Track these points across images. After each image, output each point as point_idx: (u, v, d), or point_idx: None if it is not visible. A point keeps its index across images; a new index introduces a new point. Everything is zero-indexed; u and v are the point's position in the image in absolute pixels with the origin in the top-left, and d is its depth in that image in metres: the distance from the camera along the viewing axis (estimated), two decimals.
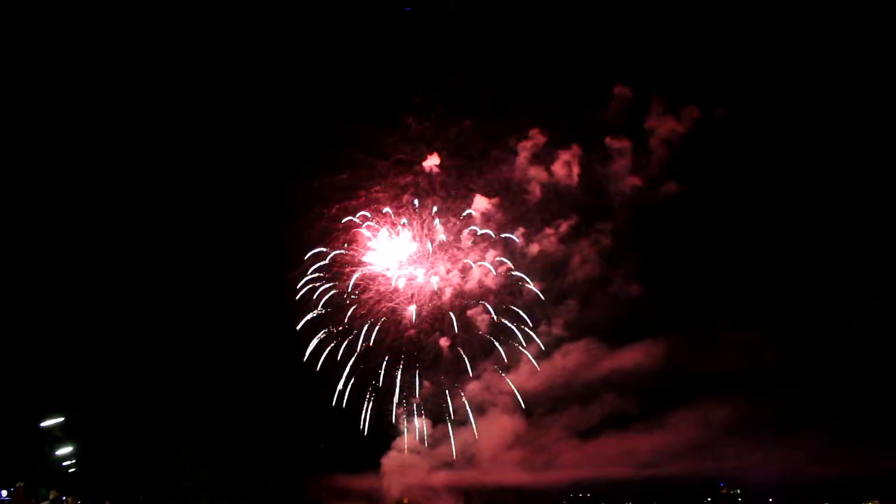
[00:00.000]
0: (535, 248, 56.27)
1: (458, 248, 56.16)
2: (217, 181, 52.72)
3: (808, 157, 50.93)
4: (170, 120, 50.98)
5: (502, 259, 55.72)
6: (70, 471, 44.95)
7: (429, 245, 55.85)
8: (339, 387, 54.72)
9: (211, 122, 51.54)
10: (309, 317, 55.08)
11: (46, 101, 46.05)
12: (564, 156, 55.59)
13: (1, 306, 42.47)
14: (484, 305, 55.98)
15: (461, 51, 51.62)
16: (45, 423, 38.15)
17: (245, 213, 53.87)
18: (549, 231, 56.31)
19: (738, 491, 58.63)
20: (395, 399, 55.90)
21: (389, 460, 55.78)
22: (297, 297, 54.93)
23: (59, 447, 40.91)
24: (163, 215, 52.57)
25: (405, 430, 56.13)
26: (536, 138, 55.46)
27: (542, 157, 55.81)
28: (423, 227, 55.75)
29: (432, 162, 55.44)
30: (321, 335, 55.05)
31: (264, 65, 51.98)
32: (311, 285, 55.02)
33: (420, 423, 56.21)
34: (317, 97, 53.29)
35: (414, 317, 55.53)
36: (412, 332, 55.69)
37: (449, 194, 55.70)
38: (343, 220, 54.65)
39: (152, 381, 50.58)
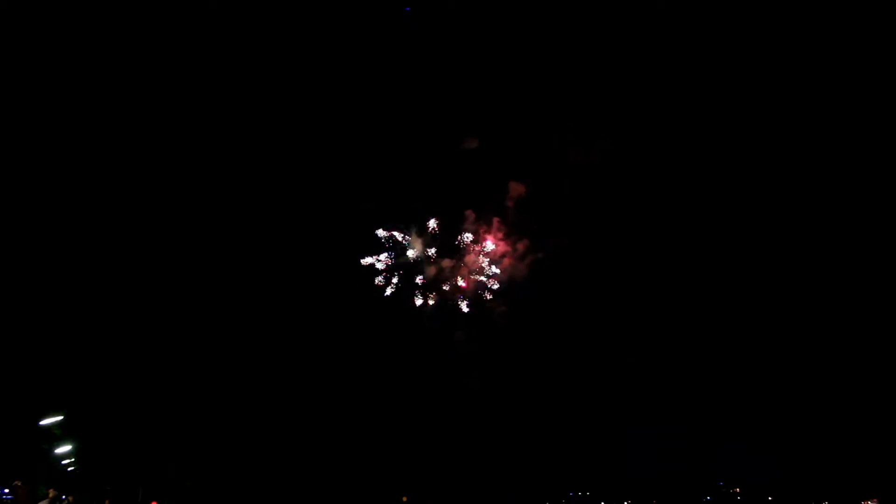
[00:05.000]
0: None
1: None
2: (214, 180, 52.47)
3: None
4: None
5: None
6: (69, 469, 45.01)
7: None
8: None
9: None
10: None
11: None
12: None
13: (0, 305, 42.44)
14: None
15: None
16: (45, 422, 38.23)
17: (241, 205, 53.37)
18: None
19: (738, 490, 58.74)
20: None
21: None
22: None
23: (58, 446, 40.94)
24: (162, 215, 52.44)
25: None
26: None
27: None
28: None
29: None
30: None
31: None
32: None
33: None
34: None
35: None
36: None
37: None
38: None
39: (152, 379, 50.57)
